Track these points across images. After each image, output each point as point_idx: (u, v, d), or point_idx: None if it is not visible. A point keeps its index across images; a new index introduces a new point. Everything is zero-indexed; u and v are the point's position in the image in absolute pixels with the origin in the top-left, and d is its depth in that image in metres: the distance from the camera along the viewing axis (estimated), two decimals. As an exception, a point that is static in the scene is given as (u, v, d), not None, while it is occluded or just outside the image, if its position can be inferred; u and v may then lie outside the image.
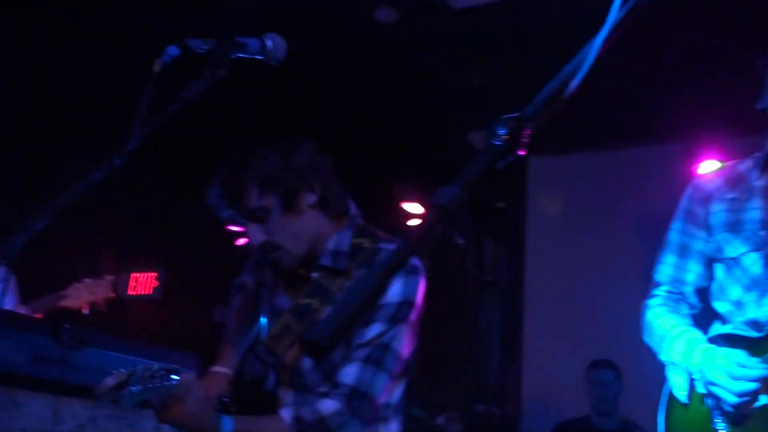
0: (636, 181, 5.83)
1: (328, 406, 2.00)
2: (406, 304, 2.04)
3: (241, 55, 1.95)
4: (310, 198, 2.10)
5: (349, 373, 2.02)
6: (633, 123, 5.72)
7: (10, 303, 3.94)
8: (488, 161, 0.98)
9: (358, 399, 2.00)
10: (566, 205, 5.96)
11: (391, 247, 2.12)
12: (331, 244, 2.13)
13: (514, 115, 1.01)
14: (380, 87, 5.59)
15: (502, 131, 0.99)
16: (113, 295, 3.66)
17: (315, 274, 2.13)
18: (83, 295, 3.59)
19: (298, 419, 2.01)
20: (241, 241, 7.33)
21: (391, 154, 6.20)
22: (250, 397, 2.21)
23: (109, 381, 1.91)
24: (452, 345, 6.17)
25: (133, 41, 4.87)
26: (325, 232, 2.14)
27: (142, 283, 7.71)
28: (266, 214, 2.08)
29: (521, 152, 0.99)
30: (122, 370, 1.95)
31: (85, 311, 3.68)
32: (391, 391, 2.13)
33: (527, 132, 0.99)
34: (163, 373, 1.90)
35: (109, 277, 3.67)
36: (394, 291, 2.02)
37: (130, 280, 7.72)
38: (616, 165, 6.02)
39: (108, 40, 5.15)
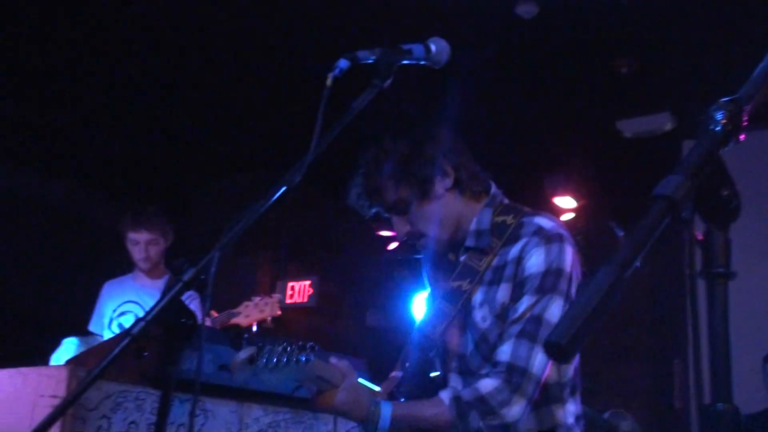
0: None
1: (487, 384, 1.96)
2: (551, 272, 1.99)
3: (406, 62, 1.96)
4: (445, 182, 2.13)
5: (504, 351, 1.98)
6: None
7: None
8: (709, 148, 0.93)
9: (516, 375, 1.94)
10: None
11: (536, 219, 2.08)
12: (473, 225, 2.14)
13: (731, 97, 0.96)
14: (526, 81, 5.52)
15: (719, 116, 0.94)
16: (280, 312, 3.83)
17: (462, 257, 2.14)
18: (253, 313, 3.78)
19: (457, 399, 1.98)
20: (392, 246, 7.44)
21: (540, 148, 6.10)
22: (415, 385, 2.21)
23: (242, 355, 1.92)
24: (640, 338, 5.99)
25: (302, 56, 5.02)
26: (467, 213, 2.15)
27: (298, 291, 7.95)
28: (405, 204, 2.12)
29: (741, 137, 0.94)
30: (252, 346, 1.95)
31: (255, 328, 3.88)
32: (559, 369, 2.06)
33: (745, 114, 0.93)
34: (294, 348, 1.91)
35: (277, 296, 3.89)
36: (534, 261, 2.00)
37: (287, 288, 7.99)
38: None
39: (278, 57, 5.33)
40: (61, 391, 2.59)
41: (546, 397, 2.05)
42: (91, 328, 4.31)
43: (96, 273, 4.53)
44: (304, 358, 1.89)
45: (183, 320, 1.59)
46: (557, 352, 0.78)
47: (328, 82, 1.81)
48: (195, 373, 1.66)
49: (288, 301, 8.07)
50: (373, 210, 2.20)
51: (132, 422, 2.69)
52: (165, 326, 1.57)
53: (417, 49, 1.97)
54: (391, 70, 1.91)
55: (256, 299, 3.85)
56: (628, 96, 5.67)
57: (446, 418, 1.97)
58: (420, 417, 2.01)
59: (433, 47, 1.98)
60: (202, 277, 1.61)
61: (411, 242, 2.20)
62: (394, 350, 2.25)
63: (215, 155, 6.75)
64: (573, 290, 2.03)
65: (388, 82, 1.92)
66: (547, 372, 1.99)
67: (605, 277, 0.81)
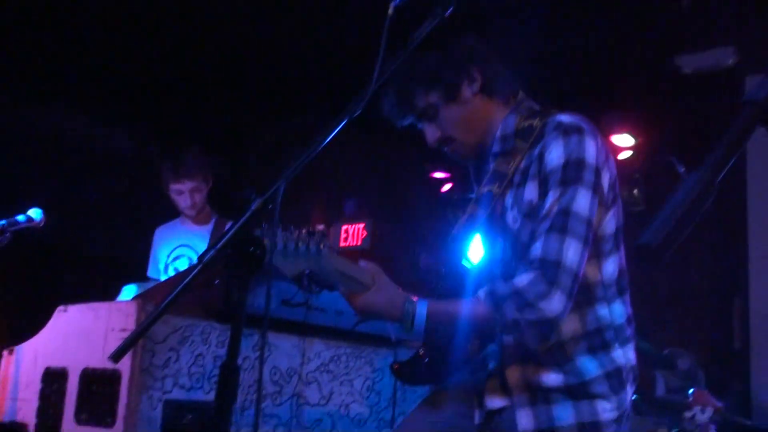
0: None
1: (522, 278, 1.94)
2: (572, 163, 1.97)
3: (468, -10, 1.92)
4: (473, 87, 2.15)
5: (535, 247, 1.96)
6: None
7: None
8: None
9: (550, 268, 1.91)
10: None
11: (558, 116, 2.06)
12: (499, 131, 2.15)
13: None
14: (583, 16, 5.37)
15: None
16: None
17: (491, 164, 2.15)
18: None
19: (492, 292, 1.96)
20: (447, 187, 7.43)
21: (597, 84, 5.97)
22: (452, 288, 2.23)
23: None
24: (700, 277, 5.92)
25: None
26: (496, 118, 2.17)
27: (352, 234, 8.01)
28: (435, 110, 2.16)
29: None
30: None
31: None
32: (599, 268, 2.04)
33: None
34: (303, 235, 1.91)
35: (322, 228, 3.82)
36: (554, 154, 1.99)
37: (341, 232, 8.05)
38: None
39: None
40: (131, 324, 2.68)
41: (588, 297, 2.02)
42: (150, 273, 4.37)
43: (148, 216, 4.58)
44: (317, 248, 1.90)
45: (251, 249, 1.61)
46: (649, 254, 0.77)
47: (390, 11, 1.79)
48: (265, 306, 1.69)
49: (342, 244, 8.14)
50: (407, 120, 2.23)
51: (198, 354, 2.77)
52: (234, 255, 1.60)
53: (479, -24, 1.93)
54: (452, -1, 1.88)
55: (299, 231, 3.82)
56: (689, 30, 5.49)
57: (482, 311, 1.96)
58: (457, 312, 2.02)
59: (494, -26, 1.94)
60: (270, 206, 1.63)
61: (442, 149, 2.23)
62: (447, 292, 2.25)
63: (272, 98, 6.76)
64: (604, 183, 2.01)
65: (450, 11, 1.89)
66: (583, 265, 1.95)
67: (697, 179, 0.79)
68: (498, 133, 2.15)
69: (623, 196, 6.23)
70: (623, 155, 6.03)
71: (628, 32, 5.57)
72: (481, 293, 1.98)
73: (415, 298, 2.03)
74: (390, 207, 7.47)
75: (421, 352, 2.21)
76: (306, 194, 7.11)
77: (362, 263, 2.08)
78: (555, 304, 1.89)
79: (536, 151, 2.03)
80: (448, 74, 2.14)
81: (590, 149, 1.98)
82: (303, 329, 3.01)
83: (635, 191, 5.93)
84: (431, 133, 2.20)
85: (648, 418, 4.72)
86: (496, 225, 2.10)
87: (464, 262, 2.25)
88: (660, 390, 4.99)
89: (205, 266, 1.55)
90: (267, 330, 1.74)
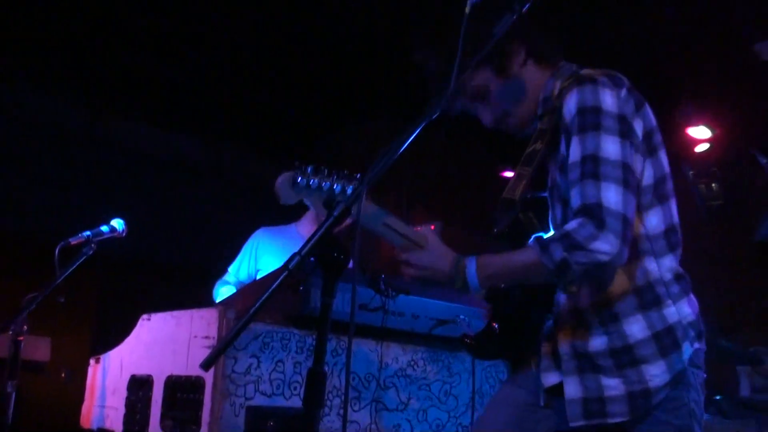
0: None
1: (570, 223, 1.89)
2: (587, 110, 1.94)
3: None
4: (519, 58, 2.16)
5: (574, 197, 1.92)
6: None
7: None
8: None
9: (595, 211, 1.85)
10: None
11: (584, 70, 2.06)
12: (541, 95, 2.17)
13: None
14: (657, 4, 5.23)
15: None
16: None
17: (536, 124, 2.16)
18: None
19: (539, 238, 1.92)
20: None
21: (672, 74, 5.81)
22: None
23: (282, 177, 1.86)
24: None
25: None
26: (543, 84, 2.17)
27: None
28: (485, 89, 2.17)
29: None
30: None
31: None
32: (643, 221, 1.97)
33: None
34: (340, 175, 1.87)
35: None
36: (569, 106, 1.99)
37: (411, 233, 8.03)
38: None
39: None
40: (213, 331, 2.71)
41: (634, 250, 1.95)
42: (232, 269, 4.17)
43: (237, 225, 4.61)
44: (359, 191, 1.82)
45: (335, 254, 1.61)
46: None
47: (467, 9, 1.76)
48: (351, 311, 1.68)
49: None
50: (459, 106, 2.24)
51: (279, 361, 2.79)
52: (319, 261, 1.59)
53: (556, -30, 1.89)
54: (529, -5, 1.85)
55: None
56: (767, 16, 5.29)
57: (532, 256, 1.91)
58: (507, 261, 1.99)
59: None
60: (351, 211, 1.62)
61: (500, 128, 2.24)
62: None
63: (346, 103, 6.79)
64: (636, 128, 1.97)
65: (528, 5, 1.86)
66: (631, 209, 1.89)
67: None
68: (540, 96, 2.17)
69: (701, 189, 6.06)
70: (700, 148, 5.85)
71: (705, 19, 5.40)
72: (530, 241, 1.95)
73: (463, 256, 2.03)
74: (460, 209, 7.42)
75: (493, 323, 2.19)
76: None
77: (416, 227, 2.09)
78: (606, 245, 1.83)
79: (559, 105, 2.04)
80: (493, 51, 2.09)
81: (606, 98, 1.95)
82: (380, 333, 3.00)
83: (714, 185, 5.75)
84: (486, 113, 2.22)
85: (734, 420, 4.58)
86: (542, 181, 2.11)
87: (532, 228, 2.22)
88: (744, 390, 4.82)
89: (290, 272, 1.55)
90: (353, 335, 1.74)
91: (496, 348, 2.25)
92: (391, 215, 2.01)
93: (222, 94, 6.51)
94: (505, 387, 2.33)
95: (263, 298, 1.46)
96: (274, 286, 1.49)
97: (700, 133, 5.86)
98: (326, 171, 1.85)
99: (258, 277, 4.08)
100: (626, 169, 1.91)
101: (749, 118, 5.71)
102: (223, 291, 3.99)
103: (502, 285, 2.16)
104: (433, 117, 1.81)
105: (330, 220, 1.58)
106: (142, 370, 3.00)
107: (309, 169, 1.81)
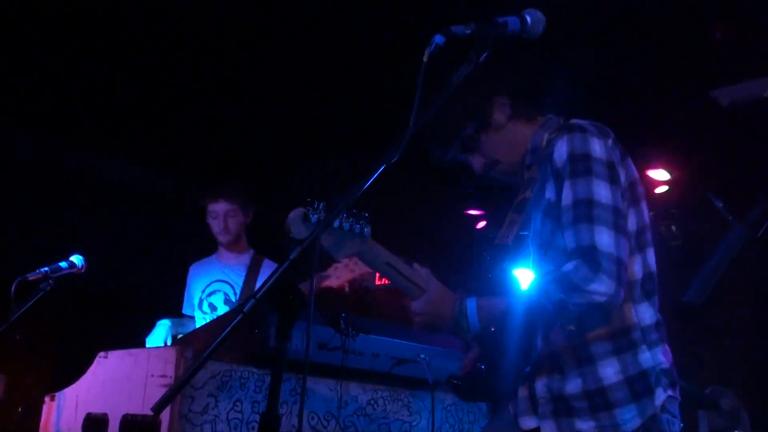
0: None
1: (567, 265, 1.95)
2: (578, 157, 2.02)
3: (502, 33, 1.94)
4: (504, 111, 2.24)
5: (568, 240, 1.98)
6: None
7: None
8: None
9: (589, 253, 1.91)
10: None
11: (573, 120, 2.13)
12: (529, 145, 2.23)
13: None
14: (616, 50, 5.36)
15: None
16: (370, 270, 3.73)
17: (526, 174, 2.23)
18: (343, 273, 3.70)
19: (539, 278, 1.99)
20: (481, 224, 7.39)
21: (632, 119, 5.93)
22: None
23: (295, 212, 1.91)
24: (742, 312, 5.80)
25: (398, 36, 5.01)
26: (530, 136, 2.24)
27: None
28: (474, 141, 2.26)
29: None
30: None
31: (347, 290, 3.81)
32: (630, 261, 2.01)
33: None
34: (349, 214, 1.97)
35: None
36: (559, 152, 2.05)
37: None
38: None
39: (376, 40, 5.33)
40: (170, 370, 2.69)
41: (631, 293, 2.02)
42: (184, 310, 4.41)
43: (186, 257, 4.61)
44: (366, 231, 1.97)
45: (291, 298, 1.62)
46: (693, 313, 0.76)
47: (425, 58, 1.80)
48: (305, 352, 1.69)
49: (378, 282, 8.11)
50: (450, 156, 2.32)
51: (237, 400, 2.77)
52: (274, 304, 1.60)
53: (512, 21, 1.95)
54: (487, 43, 1.90)
55: (345, 260, 3.78)
56: (724, 62, 5.44)
57: (530, 297, 1.99)
58: (505, 302, 2.06)
59: (528, 19, 1.96)
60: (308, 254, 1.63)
61: (489, 175, 2.33)
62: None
63: (306, 139, 6.82)
64: (622, 177, 2.04)
65: (485, 55, 1.91)
66: (624, 253, 1.95)
67: (736, 237, 0.78)
68: (529, 146, 2.23)
69: (661, 231, 6.14)
70: (660, 190, 5.97)
71: (663, 66, 5.54)
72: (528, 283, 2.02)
73: (461, 296, 2.09)
74: (425, 245, 7.45)
75: (480, 364, 2.22)
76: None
77: (416, 265, 2.15)
78: (602, 286, 1.89)
79: (549, 152, 2.10)
80: (479, 106, 2.23)
81: (595, 146, 2.03)
82: (340, 373, 3.00)
83: (672, 227, 5.86)
84: (476, 162, 2.30)
85: (692, 460, 4.61)
86: (531, 233, 2.14)
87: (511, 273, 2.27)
88: (703, 431, 4.87)
89: (245, 316, 1.55)
90: (306, 376, 1.75)
91: (482, 390, 2.27)
92: (394, 256, 2.09)
93: (186, 128, 6.51)
94: (488, 429, 2.38)
95: (216, 342, 1.47)
96: (228, 329, 1.50)
97: (659, 176, 5.98)
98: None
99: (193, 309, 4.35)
100: (617, 213, 1.98)
101: (706, 161, 5.85)
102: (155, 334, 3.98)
103: (494, 327, 2.17)
104: (392, 162, 1.83)
105: (285, 265, 1.59)
106: (98, 409, 2.96)
107: (321, 206, 1.88)
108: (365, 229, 2.01)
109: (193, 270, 4.48)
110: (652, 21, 5.06)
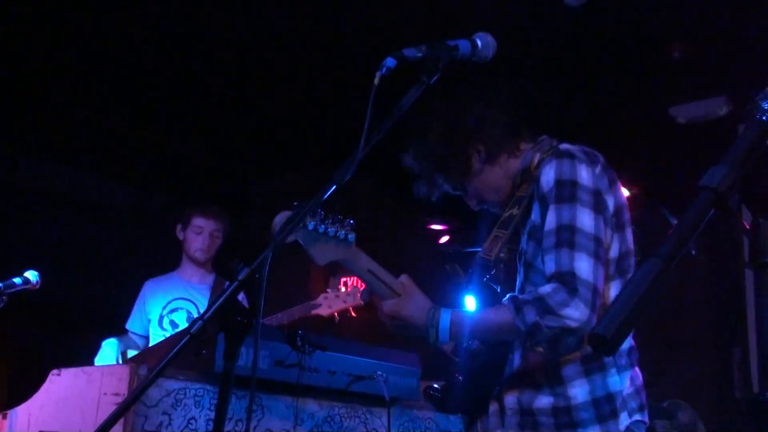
0: None
1: (545, 287, 1.99)
2: (565, 183, 2.05)
3: (453, 57, 1.97)
4: (481, 157, 2.29)
5: (548, 264, 2.02)
6: None
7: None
8: (754, 138, 0.92)
9: (568, 278, 1.95)
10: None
11: (562, 145, 2.18)
12: (520, 165, 2.28)
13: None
14: (575, 69, 5.45)
15: (766, 104, 0.92)
16: (362, 302, 3.71)
17: (515, 192, 2.28)
18: (335, 303, 3.68)
19: (515, 297, 2.01)
20: (444, 239, 7.43)
21: (592, 136, 6.03)
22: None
23: (281, 216, 1.95)
24: (699, 327, 5.89)
25: (349, 57, 5.04)
26: (514, 167, 2.29)
27: (351, 285, 7.97)
28: (461, 186, 2.34)
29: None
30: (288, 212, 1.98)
31: (336, 319, 3.78)
32: (605, 286, 2.05)
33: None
34: (335, 219, 2.00)
35: (357, 287, 3.74)
36: (547, 177, 2.09)
37: (340, 283, 8.01)
38: None
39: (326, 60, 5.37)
40: (123, 389, 2.66)
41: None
42: (129, 326, 4.30)
43: (143, 271, 4.55)
44: (350, 237, 2.01)
45: (238, 318, 1.62)
46: (602, 345, 0.78)
47: (376, 81, 1.82)
48: (252, 369, 1.69)
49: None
50: (441, 194, 2.40)
51: (191, 418, 2.75)
52: (221, 325, 1.60)
53: (463, 45, 1.98)
54: (438, 66, 1.93)
55: (335, 290, 3.77)
56: (681, 81, 5.56)
57: (505, 315, 2.00)
58: (480, 318, 2.10)
59: (479, 42, 1.99)
60: (257, 275, 1.64)
61: (484, 207, 2.41)
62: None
63: (264, 154, 6.81)
64: (609, 204, 2.08)
65: (435, 78, 1.93)
66: (601, 281, 1.98)
67: (649, 269, 0.81)
68: (519, 167, 2.29)
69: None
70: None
71: (622, 84, 5.64)
72: (505, 300, 2.04)
73: (438, 307, 2.11)
74: (387, 259, 7.46)
75: (458, 375, 2.25)
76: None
77: (402, 277, 2.17)
78: (576, 312, 1.92)
79: (537, 175, 2.14)
80: (455, 158, 2.28)
81: (582, 172, 2.06)
82: (296, 390, 2.99)
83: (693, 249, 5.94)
84: (470, 200, 2.38)
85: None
86: (515, 245, 2.21)
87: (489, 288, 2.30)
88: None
89: (192, 337, 1.55)
90: (255, 391, 1.75)
91: (459, 401, 2.29)
92: (375, 263, 2.12)
93: (149, 138, 6.47)
94: None
95: (162, 364, 1.47)
96: (174, 351, 1.50)
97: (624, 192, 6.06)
98: (323, 214, 1.97)
99: (149, 326, 4.27)
100: (597, 242, 2.01)
101: (664, 178, 5.95)
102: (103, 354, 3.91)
103: (467, 342, 2.22)
104: (343, 183, 1.84)
105: (234, 285, 1.60)
106: (50, 427, 2.92)
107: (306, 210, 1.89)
108: (350, 236, 2.03)
109: (150, 286, 4.38)
110: (614, 41, 5.15)
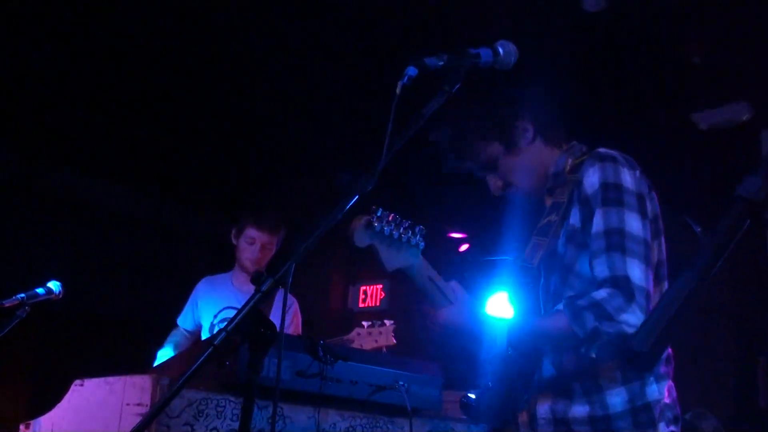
0: None
1: (600, 292, 1.95)
2: (610, 186, 2.03)
3: (475, 65, 1.95)
4: (527, 136, 2.26)
5: (598, 267, 1.99)
6: None
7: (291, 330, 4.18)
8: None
9: (623, 282, 1.92)
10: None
11: (598, 149, 2.15)
12: (552, 169, 2.25)
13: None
14: (596, 75, 5.42)
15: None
16: (395, 342, 3.66)
17: (548, 199, 2.24)
18: (366, 341, 3.61)
19: (571, 302, 1.97)
20: (464, 247, 7.41)
21: (613, 143, 5.99)
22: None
23: (361, 219, 1.97)
24: (724, 336, 5.82)
25: (373, 66, 5.05)
26: (551, 161, 2.26)
27: (371, 294, 7.99)
28: (494, 161, 2.26)
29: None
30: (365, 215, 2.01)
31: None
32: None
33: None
34: (407, 225, 2.02)
35: (391, 323, 3.63)
36: (591, 179, 2.06)
37: (359, 292, 8.03)
38: None
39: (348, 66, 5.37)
40: (146, 399, 2.66)
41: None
42: (180, 321, 4.22)
43: (167, 280, 4.56)
44: (420, 244, 2.01)
45: (262, 330, 1.62)
46: (640, 361, 0.76)
47: (398, 90, 1.81)
48: (276, 380, 1.68)
49: (360, 305, 8.11)
50: (465, 168, 2.34)
51: (213, 428, 2.74)
52: (245, 336, 1.60)
53: (485, 52, 1.97)
54: (460, 74, 1.91)
55: (368, 325, 3.69)
56: (703, 87, 5.51)
57: (562, 321, 1.96)
58: (535, 324, 2.07)
59: (500, 50, 1.98)
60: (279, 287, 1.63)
61: (505, 195, 2.34)
62: (466, 354, 2.25)
63: (280, 159, 6.83)
64: (649, 210, 2.05)
65: (457, 87, 1.92)
66: (651, 285, 1.96)
67: (686, 283, 0.79)
68: (551, 172, 2.25)
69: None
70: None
71: (643, 90, 5.60)
72: (560, 305, 2.00)
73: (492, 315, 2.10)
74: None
75: (491, 384, 2.22)
76: (325, 256, 7.10)
77: (452, 283, 2.16)
78: (633, 318, 1.89)
79: (578, 178, 2.11)
80: (503, 127, 2.25)
81: (626, 177, 2.04)
82: (318, 400, 2.98)
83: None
84: (494, 182, 2.31)
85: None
86: (547, 256, 2.15)
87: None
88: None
89: (215, 348, 1.55)
90: (278, 401, 1.75)
91: (492, 410, 2.26)
92: (434, 271, 2.12)
93: (162, 146, 6.51)
94: None
95: (185, 376, 1.46)
96: (199, 362, 1.49)
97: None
98: (399, 220, 1.99)
99: (201, 332, 4.19)
100: (647, 246, 1.99)
101: (686, 184, 5.90)
102: (161, 355, 3.94)
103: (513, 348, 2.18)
104: (365, 192, 1.83)
105: (258, 296, 1.59)
106: (73, 437, 2.93)
107: (384, 215, 1.95)
108: (420, 243, 2.04)
109: (204, 286, 4.26)
110: (635, 46, 5.12)
